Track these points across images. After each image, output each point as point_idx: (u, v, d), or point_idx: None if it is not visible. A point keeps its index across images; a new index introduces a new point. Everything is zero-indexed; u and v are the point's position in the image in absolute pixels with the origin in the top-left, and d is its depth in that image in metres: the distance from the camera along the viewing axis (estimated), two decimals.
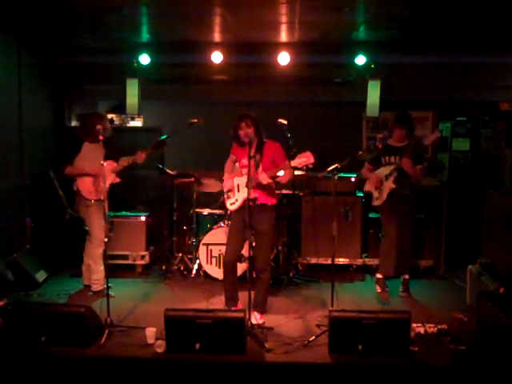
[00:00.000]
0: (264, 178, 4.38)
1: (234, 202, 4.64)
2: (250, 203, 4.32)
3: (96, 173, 5.04)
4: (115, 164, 5.25)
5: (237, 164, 4.77)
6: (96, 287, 5.26)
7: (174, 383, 3.80)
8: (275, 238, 5.49)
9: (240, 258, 4.87)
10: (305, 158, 4.23)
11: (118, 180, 5.30)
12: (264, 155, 4.51)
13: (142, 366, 3.85)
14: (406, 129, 5.13)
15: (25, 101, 6.17)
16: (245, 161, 4.43)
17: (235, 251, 4.63)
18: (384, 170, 5.19)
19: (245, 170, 4.45)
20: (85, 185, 5.16)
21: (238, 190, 4.62)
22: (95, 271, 5.24)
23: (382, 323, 3.86)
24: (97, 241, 5.15)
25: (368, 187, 5.36)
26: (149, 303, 5.12)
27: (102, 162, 4.54)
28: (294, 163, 4.28)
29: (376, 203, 5.27)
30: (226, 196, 4.77)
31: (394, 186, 5.09)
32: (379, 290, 5.21)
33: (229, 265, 4.62)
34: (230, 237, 4.68)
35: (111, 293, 4.91)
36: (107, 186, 4.92)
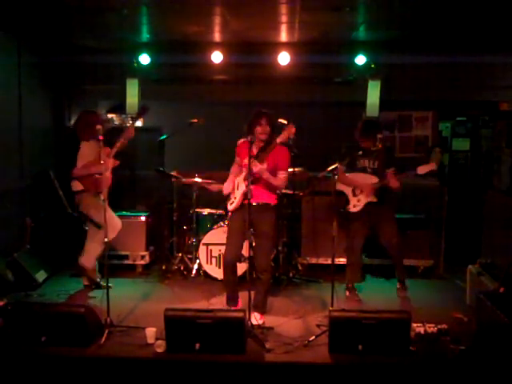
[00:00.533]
0: (255, 165, 4.31)
1: (232, 202, 4.62)
2: (249, 201, 4.30)
3: (100, 171, 5.04)
4: (109, 149, 5.18)
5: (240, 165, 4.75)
6: (83, 260, 5.22)
7: (174, 383, 3.80)
8: (275, 239, 5.48)
9: (240, 258, 4.87)
10: (286, 131, 4.30)
11: (117, 163, 5.23)
12: (269, 156, 4.43)
13: (142, 366, 3.85)
14: (372, 136, 5.10)
15: (25, 101, 6.17)
16: (247, 160, 4.42)
17: (235, 251, 4.62)
18: (365, 178, 5.08)
19: (245, 169, 4.45)
20: (90, 181, 5.14)
21: (237, 188, 4.60)
22: (92, 248, 5.20)
23: (382, 323, 3.86)
24: (102, 237, 5.08)
25: (342, 188, 5.23)
26: (149, 303, 5.12)
27: (102, 162, 4.54)
28: (278, 140, 4.31)
29: (352, 210, 5.17)
30: (228, 199, 4.77)
31: (375, 200, 5.04)
32: (347, 294, 5.28)
33: (229, 264, 4.61)
34: (230, 237, 4.66)
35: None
36: (109, 171, 5.02)
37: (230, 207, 4.67)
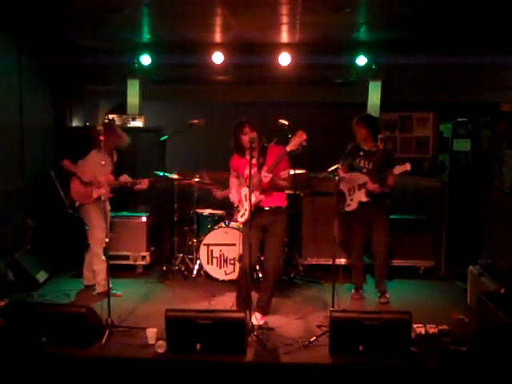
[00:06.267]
0: (265, 176, 4.30)
1: (243, 214, 4.57)
2: (259, 206, 4.31)
3: (91, 180, 5.07)
4: (113, 178, 5.23)
5: (241, 177, 4.73)
6: (100, 288, 5.26)
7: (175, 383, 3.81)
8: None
9: (257, 261, 4.74)
10: (297, 138, 4.21)
11: (110, 195, 5.19)
12: (268, 159, 4.45)
13: (143, 367, 3.85)
14: (365, 128, 5.05)
15: (26, 101, 6.18)
16: (248, 171, 4.36)
17: (253, 254, 4.45)
18: (358, 178, 5.03)
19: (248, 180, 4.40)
20: (75, 187, 5.19)
21: (246, 200, 4.52)
22: (99, 272, 5.23)
23: (382, 324, 3.86)
24: (97, 241, 5.13)
25: (342, 187, 5.21)
26: (149, 303, 5.12)
27: (103, 162, 4.54)
28: (289, 148, 4.24)
29: (347, 209, 5.16)
30: (236, 211, 4.75)
31: (366, 199, 4.98)
32: (352, 293, 5.29)
33: (246, 267, 4.50)
34: (245, 240, 4.52)
35: (116, 292, 5.04)
36: (95, 196, 5.08)
37: (241, 219, 4.59)
